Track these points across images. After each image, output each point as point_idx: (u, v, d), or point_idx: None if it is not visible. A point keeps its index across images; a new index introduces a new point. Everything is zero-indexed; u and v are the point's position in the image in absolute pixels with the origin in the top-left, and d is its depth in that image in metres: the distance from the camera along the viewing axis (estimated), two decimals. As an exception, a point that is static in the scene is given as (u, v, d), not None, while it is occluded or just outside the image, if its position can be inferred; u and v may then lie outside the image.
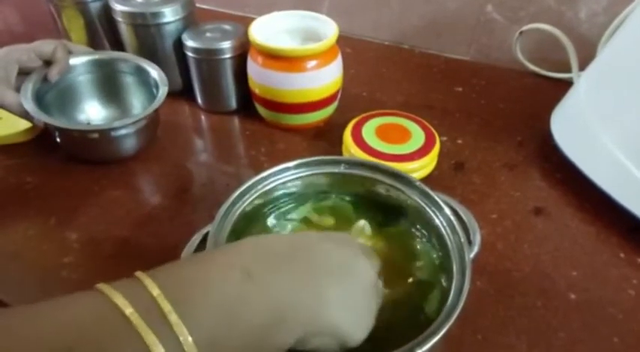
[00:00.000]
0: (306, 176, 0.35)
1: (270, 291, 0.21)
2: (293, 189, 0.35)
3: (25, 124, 0.50)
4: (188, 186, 0.47)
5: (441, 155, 0.47)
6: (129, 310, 0.18)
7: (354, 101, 0.57)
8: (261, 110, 0.53)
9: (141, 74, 0.51)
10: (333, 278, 0.24)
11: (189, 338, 0.18)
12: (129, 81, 0.53)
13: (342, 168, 0.35)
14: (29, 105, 0.43)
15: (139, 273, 0.20)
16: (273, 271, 0.22)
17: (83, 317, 0.18)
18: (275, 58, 0.47)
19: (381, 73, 0.64)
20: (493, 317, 0.35)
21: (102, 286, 0.19)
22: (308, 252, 0.24)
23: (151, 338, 0.17)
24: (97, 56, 0.51)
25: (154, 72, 0.49)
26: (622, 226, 0.41)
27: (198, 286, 0.20)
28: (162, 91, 0.47)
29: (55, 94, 0.49)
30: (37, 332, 0.17)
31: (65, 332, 0.17)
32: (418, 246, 0.33)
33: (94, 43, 0.59)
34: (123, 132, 0.45)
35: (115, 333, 0.17)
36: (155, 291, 0.19)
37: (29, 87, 0.44)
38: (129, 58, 0.51)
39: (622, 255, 0.39)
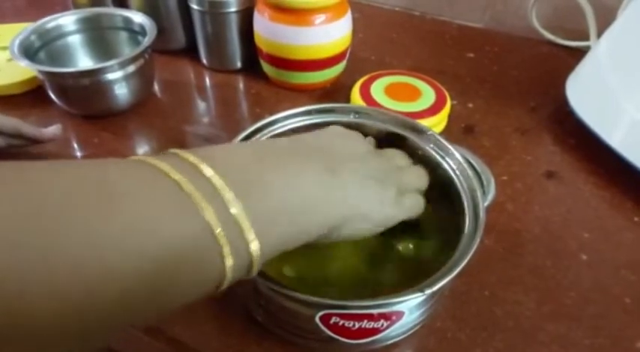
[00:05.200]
0: (315, 123, 0.33)
1: (296, 182, 0.20)
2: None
3: (22, 75, 0.49)
4: (190, 141, 0.46)
5: (450, 118, 0.46)
6: (166, 167, 0.17)
7: (361, 64, 0.55)
8: (266, 68, 0.51)
9: (130, 27, 0.50)
10: (350, 163, 0.24)
11: (238, 202, 0.17)
12: (120, 37, 0.51)
13: (351, 117, 0.34)
14: (21, 60, 0.42)
15: (180, 153, 0.18)
16: (294, 166, 0.21)
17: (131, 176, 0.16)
18: (283, 10, 0.45)
19: (390, 38, 0.62)
20: (501, 275, 0.34)
21: (138, 156, 0.18)
22: (321, 148, 0.24)
23: (203, 205, 0.16)
24: (81, 14, 0.49)
25: (138, 17, 0.48)
26: (638, 191, 0.40)
27: (237, 159, 0.19)
28: (150, 33, 0.45)
29: (46, 57, 0.47)
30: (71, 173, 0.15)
31: (103, 173, 0.16)
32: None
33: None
34: (112, 76, 0.43)
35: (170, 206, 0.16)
36: (192, 158, 0.18)
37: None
38: (114, 11, 0.50)
39: (636, 219, 0.38)
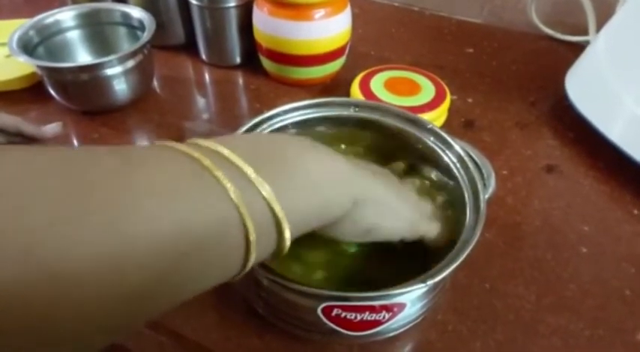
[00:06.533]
0: (315, 117, 0.33)
1: (306, 156, 0.20)
2: (301, 130, 0.34)
3: (21, 71, 0.49)
4: (189, 137, 0.46)
5: (450, 112, 0.46)
6: (187, 149, 0.17)
7: (361, 59, 0.55)
8: (266, 64, 0.51)
9: (129, 22, 0.50)
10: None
11: (271, 192, 0.17)
12: (119, 33, 0.51)
13: (352, 111, 0.34)
14: (20, 56, 0.42)
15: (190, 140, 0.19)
16: (317, 150, 0.21)
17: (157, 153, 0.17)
18: (282, 5, 0.45)
19: (389, 34, 0.62)
20: (501, 268, 0.34)
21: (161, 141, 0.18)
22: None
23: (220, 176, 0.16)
24: (80, 10, 0.49)
25: (137, 12, 0.48)
26: (637, 185, 0.40)
27: (250, 145, 0.20)
28: (149, 29, 0.45)
29: (44, 52, 0.47)
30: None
31: (135, 156, 0.16)
32: (429, 187, 0.32)
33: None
34: (111, 72, 0.43)
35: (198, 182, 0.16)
36: (225, 151, 0.18)
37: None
38: (113, 6, 0.50)
39: (636, 212, 0.38)
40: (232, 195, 0.16)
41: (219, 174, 0.16)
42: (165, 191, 0.15)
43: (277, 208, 0.17)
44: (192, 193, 0.16)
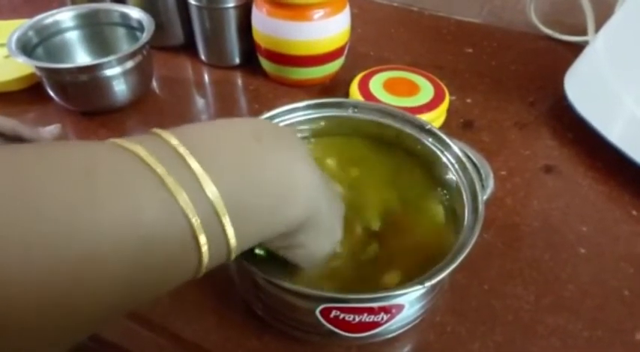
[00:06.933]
0: (314, 118, 0.33)
1: (278, 158, 0.20)
2: (300, 131, 0.34)
3: (20, 72, 0.49)
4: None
5: (449, 113, 0.46)
6: (143, 152, 0.17)
7: (360, 60, 0.55)
8: (265, 64, 0.51)
9: (128, 23, 0.50)
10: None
11: (214, 188, 0.17)
12: (118, 33, 0.51)
13: (350, 112, 0.34)
14: (19, 56, 0.42)
15: (155, 130, 0.19)
16: (277, 141, 0.21)
17: (101, 150, 0.17)
18: (281, 5, 0.45)
19: (389, 34, 0.62)
20: (500, 269, 0.34)
21: (117, 140, 0.18)
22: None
23: (170, 180, 0.16)
24: (79, 10, 0.49)
25: (136, 13, 0.48)
26: (635, 185, 0.40)
27: (214, 139, 0.19)
28: (148, 29, 0.45)
29: (43, 53, 0.47)
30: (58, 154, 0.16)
31: (84, 158, 0.16)
32: (428, 187, 0.32)
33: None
34: (110, 72, 0.43)
35: (133, 171, 0.16)
36: (173, 141, 0.17)
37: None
38: (111, 7, 0.50)
39: (634, 213, 0.38)
40: (182, 204, 0.16)
41: (170, 181, 0.16)
42: (118, 194, 0.15)
43: (225, 221, 0.17)
44: (142, 204, 0.15)
